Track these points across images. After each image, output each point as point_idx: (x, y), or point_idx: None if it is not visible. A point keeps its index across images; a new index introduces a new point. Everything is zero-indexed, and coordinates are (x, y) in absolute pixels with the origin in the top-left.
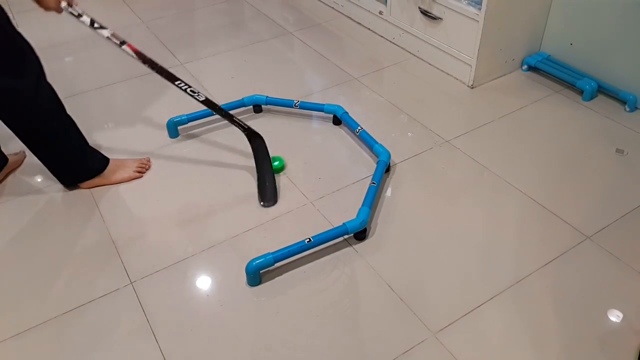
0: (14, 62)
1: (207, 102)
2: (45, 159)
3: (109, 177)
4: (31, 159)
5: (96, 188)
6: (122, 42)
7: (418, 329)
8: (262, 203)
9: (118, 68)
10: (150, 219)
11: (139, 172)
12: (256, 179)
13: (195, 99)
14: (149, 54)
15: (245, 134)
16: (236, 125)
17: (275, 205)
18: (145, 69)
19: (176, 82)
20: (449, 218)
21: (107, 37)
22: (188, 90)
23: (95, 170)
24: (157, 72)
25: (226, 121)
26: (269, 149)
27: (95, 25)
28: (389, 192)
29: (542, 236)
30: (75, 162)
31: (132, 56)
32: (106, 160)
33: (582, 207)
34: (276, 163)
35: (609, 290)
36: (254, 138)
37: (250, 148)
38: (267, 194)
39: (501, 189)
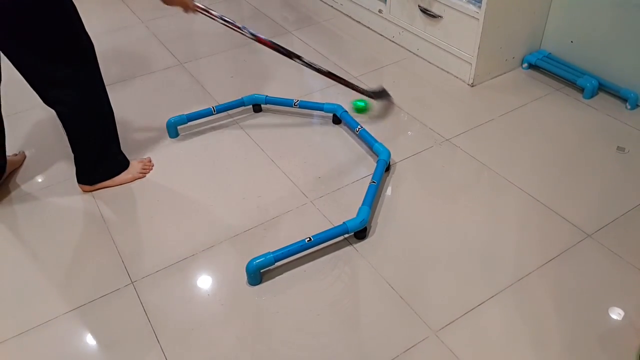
0: (74, 52)
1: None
2: (83, 155)
3: (114, 179)
4: (31, 159)
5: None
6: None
7: (419, 327)
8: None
9: (118, 68)
10: (150, 218)
11: (143, 173)
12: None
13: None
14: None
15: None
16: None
17: (275, 205)
18: (145, 69)
19: (294, 58)
20: (450, 217)
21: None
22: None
23: (118, 170)
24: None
25: (226, 121)
26: (268, 148)
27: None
28: (389, 191)
29: (543, 234)
30: (107, 160)
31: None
32: (127, 162)
33: (583, 205)
34: (362, 104)
35: (609, 288)
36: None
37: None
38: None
39: (501, 187)
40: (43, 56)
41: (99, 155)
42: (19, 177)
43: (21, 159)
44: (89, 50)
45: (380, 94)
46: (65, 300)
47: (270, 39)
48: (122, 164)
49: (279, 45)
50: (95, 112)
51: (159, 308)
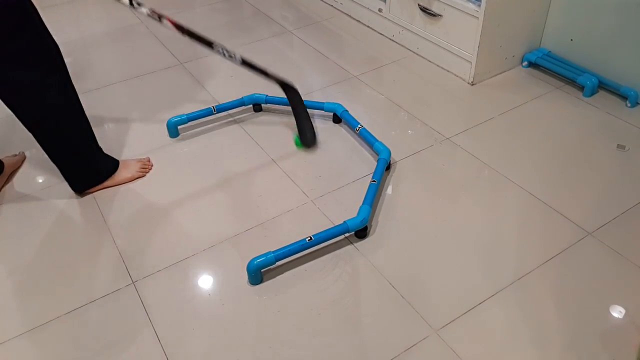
0: (40, 57)
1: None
2: (61, 163)
3: (113, 179)
4: (31, 160)
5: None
6: (161, 17)
7: (420, 326)
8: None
9: (118, 68)
10: (150, 218)
11: (142, 172)
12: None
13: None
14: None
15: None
16: (270, 79)
17: (276, 204)
18: (145, 69)
19: (214, 47)
20: (450, 215)
21: (148, 14)
22: (226, 54)
23: (107, 173)
24: (197, 41)
25: (226, 120)
26: (269, 147)
27: (134, 3)
28: (389, 190)
29: (544, 233)
30: (91, 165)
31: (171, 29)
32: (116, 163)
33: (584, 203)
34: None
35: (611, 286)
36: (289, 90)
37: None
38: (308, 136)
39: (502, 186)
40: (9, 63)
41: (79, 164)
42: (19, 177)
43: (20, 159)
44: (54, 57)
45: (285, 86)
46: (66, 300)
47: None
48: (109, 165)
49: (192, 32)
50: (65, 121)
51: (160, 308)
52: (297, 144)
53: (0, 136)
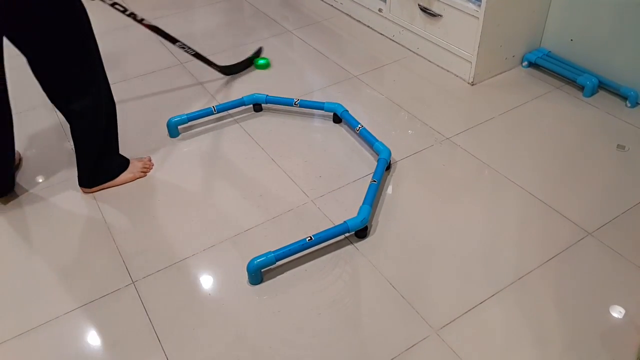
0: (88, 54)
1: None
2: (87, 157)
3: (115, 179)
4: (30, 160)
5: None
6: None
7: (420, 326)
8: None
9: (118, 68)
10: (150, 218)
11: (144, 172)
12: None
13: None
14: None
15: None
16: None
17: (276, 204)
18: (145, 68)
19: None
20: (450, 215)
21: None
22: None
23: (119, 171)
24: (156, 32)
25: (226, 120)
26: (269, 147)
27: None
28: (389, 190)
29: (544, 233)
30: (108, 163)
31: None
32: (127, 162)
33: (584, 204)
34: (262, 62)
35: (610, 286)
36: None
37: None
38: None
39: (502, 186)
40: (54, 60)
41: (101, 158)
42: (19, 177)
43: (17, 159)
44: (96, 55)
45: (231, 69)
46: (67, 300)
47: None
48: (122, 164)
49: (158, 29)
50: (101, 117)
51: (160, 308)
52: (259, 65)
53: None
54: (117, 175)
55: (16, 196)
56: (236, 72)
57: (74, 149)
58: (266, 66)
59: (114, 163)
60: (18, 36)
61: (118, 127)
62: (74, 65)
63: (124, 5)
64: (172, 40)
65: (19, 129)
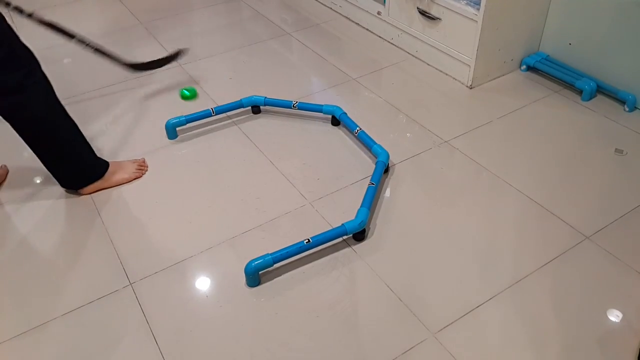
0: (19, 60)
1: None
2: (49, 162)
3: (109, 180)
4: (28, 161)
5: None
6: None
7: (417, 329)
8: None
9: (116, 70)
10: (148, 220)
11: (139, 173)
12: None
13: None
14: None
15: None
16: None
17: (274, 206)
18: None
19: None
20: (448, 218)
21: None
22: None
23: (97, 174)
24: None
25: (225, 122)
26: (267, 150)
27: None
28: (387, 193)
29: (541, 236)
30: (78, 166)
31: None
32: (106, 164)
33: (581, 207)
34: (187, 93)
35: (608, 290)
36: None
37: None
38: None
39: (500, 189)
40: None
41: (66, 162)
42: (17, 177)
43: (4, 173)
44: (30, 60)
45: (140, 66)
46: (64, 302)
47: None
48: (99, 166)
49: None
50: (49, 119)
51: (157, 309)
52: (185, 96)
53: None
54: (97, 179)
55: (14, 197)
56: (146, 70)
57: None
58: (192, 97)
59: (86, 168)
60: None
61: (118, 129)
62: (10, 68)
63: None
64: (69, 36)
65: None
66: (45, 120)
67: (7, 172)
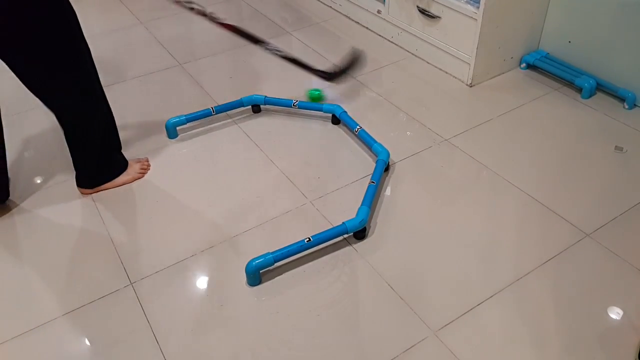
0: (75, 55)
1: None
2: (83, 157)
3: (113, 180)
4: (27, 161)
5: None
6: None
7: (418, 327)
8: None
9: (116, 69)
10: (149, 219)
11: (142, 173)
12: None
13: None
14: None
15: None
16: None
17: (275, 205)
18: (144, 69)
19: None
20: (449, 216)
21: None
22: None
23: (117, 172)
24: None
25: (225, 121)
26: (268, 149)
27: None
28: (388, 191)
29: (542, 234)
30: (107, 163)
31: None
32: (127, 163)
33: (582, 205)
34: (317, 93)
35: (608, 287)
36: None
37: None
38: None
39: (500, 187)
40: (42, 63)
41: (99, 160)
42: (17, 178)
43: None
44: (87, 56)
45: (334, 75)
46: (65, 302)
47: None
48: (121, 165)
49: (243, 30)
50: (96, 117)
51: (158, 309)
52: (313, 97)
53: None
54: (117, 176)
55: (14, 197)
56: (338, 78)
57: (69, 151)
58: (319, 98)
59: (112, 166)
60: (3, 41)
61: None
62: (64, 68)
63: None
64: (255, 40)
65: (17, 129)
66: (90, 121)
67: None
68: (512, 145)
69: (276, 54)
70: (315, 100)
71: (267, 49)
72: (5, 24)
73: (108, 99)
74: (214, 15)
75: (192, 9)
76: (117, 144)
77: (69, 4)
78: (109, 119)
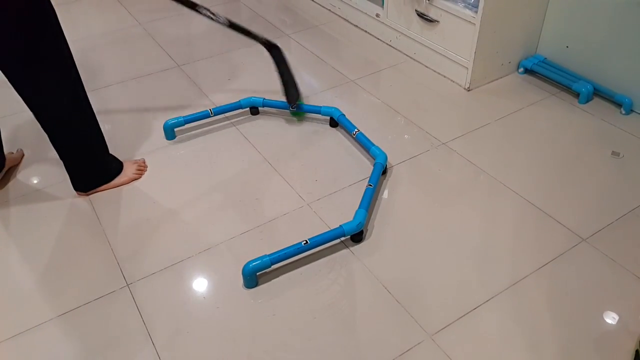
0: (58, 59)
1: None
2: (71, 162)
3: (111, 182)
4: (25, 161)
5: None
6: None
7: (414, 330)
8: (291, 106)
9: (115, 70)
10: (146, 220)
11: (138, 173)
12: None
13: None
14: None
15: (264, 46)
16: (253, 39)
17: (272, 207)
18: (142, 71)
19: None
20: (446, 220)
21: None
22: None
23: (113, 174)
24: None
25: (223, 123)
26: (265, 151)
27: None
28: (385, 194)
29: (538, 238)
30: (98, 166)
31: None
32: (121, 164)
33: (578, 210)
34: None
35: (604, 292)
36: (273, 49)
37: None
38: (292, 92)
39: (497, 191)
40: (26, 63)
41: (90, 163)
42: (15, 177)
43: (19, 156)
44: (70, 59)
45: (270, 46)
46: (60, 303)
47: None
48: (115, 167)
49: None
50: (80, 121)
51: (154, 310)
52: (293, 114)
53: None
54: (113, 178)
55: (10, 197)
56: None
57: (59, 157)
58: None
59: (105, 166)
60: None
61: (115, 130)
62: (47, 70)
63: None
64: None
65: (14, 129)
66: (71, 121)
67: (23, 155)
68: (509, 149)
69: (211, 19)
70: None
71: (200, 12)
72: None
73: (106, 99)
74: None
75: None
76: (104, 149)
77: (51, 7)
78: (93, 122)
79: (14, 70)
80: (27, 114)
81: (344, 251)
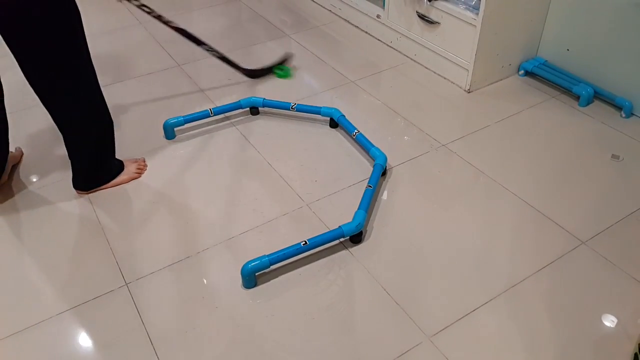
0: (77, 59)
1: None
2: (81, 160)
3: (111, 181)
4: (27, 158)
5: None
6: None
7: (413, 332)
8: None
9: (115, 69)
10: (145, 220)
11: (138, 172)
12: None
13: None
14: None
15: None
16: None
17: (272, 208)
18: (142, 70)
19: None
20: (445, 222)
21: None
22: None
23: (114, 174)
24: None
25: (223, 123)
26: (265, 151)
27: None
28: (385, 196)
29: (537, 241)
30: (104, 166)
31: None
32: (122, 164)
33: (578, 212)
34: (281, 72)
35: (603, 295)
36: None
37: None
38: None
39: (497, 194)
40: (46, 65)
41: (96, 163)
42: (15, 176)
43: (19, 155)
44: (89, 61)
45: (256, 73)
46: (59, 301)
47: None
48: (117, 169)
49: (185, 31)
50: (95, 122)
51: (153, 310)
52: (279, 76)
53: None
54: (114, 177)
55: (10, 195)
56: (259, 77)
57: (68, 154)
58: (286, 75)
59: (108, 167)
60: (9, 35)
61: (115, 130)
62: (66, 71)
63: (150, 7)
64: (198, 42)
65: (16, 127)
66: (89, 128)
67: (22, 154)
68: (509, 151)
69: (214, 55)
70: (282, 77)
71: (206, 50)
72: (12, 22)
73: (106, 98)
74: (163, 19)
75: (142, 6)
76: (113, 151)
77: (76, 8)
78: (108, 123)
79: (36, 75)
80: (24, 112)
81: (343, 252)
